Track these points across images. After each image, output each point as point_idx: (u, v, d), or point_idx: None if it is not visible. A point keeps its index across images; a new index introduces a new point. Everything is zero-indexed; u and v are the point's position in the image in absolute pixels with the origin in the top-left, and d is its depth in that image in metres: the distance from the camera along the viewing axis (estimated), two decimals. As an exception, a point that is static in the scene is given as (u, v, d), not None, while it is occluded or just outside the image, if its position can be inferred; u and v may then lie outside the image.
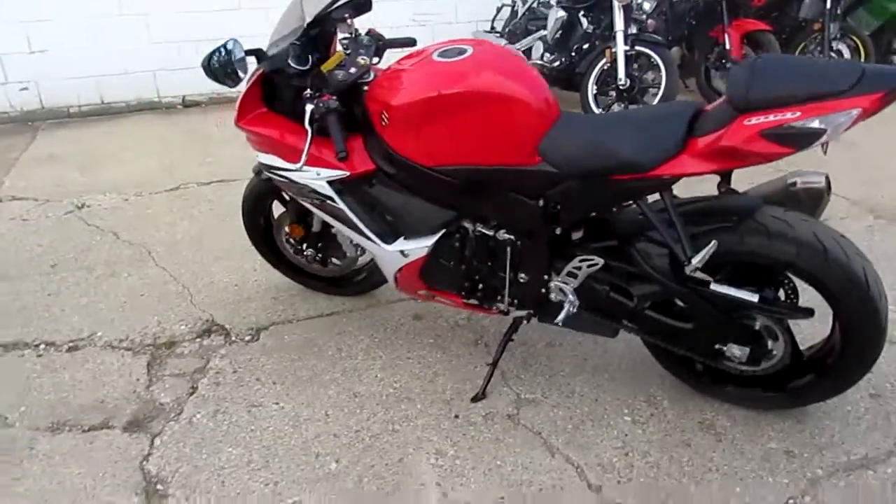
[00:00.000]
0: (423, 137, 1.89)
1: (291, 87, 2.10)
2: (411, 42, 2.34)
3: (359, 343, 2.47)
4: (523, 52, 5.48)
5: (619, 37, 4.60)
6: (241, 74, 2.02)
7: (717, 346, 1.88)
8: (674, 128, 1.68)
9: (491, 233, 2.00)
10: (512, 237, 1.99)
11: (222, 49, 1.96)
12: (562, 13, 5.10)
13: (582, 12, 5.10)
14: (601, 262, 1.90)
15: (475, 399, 2.14)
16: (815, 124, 1.46)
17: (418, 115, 1.86)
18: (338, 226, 2.20)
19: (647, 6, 4.81)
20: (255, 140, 2.19)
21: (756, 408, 2.01)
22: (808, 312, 1.79)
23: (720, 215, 1.76)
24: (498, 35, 5.91)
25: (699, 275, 1.76)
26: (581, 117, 1.88)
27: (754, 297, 1.76)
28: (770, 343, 1.84)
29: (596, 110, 4.78)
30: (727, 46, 5.06)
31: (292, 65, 2.04)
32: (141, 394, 2.26)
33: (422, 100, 1.84)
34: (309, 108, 1.98)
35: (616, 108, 4.73)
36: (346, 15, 2.13)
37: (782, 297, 1.86)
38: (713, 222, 1.76)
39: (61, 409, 2.19)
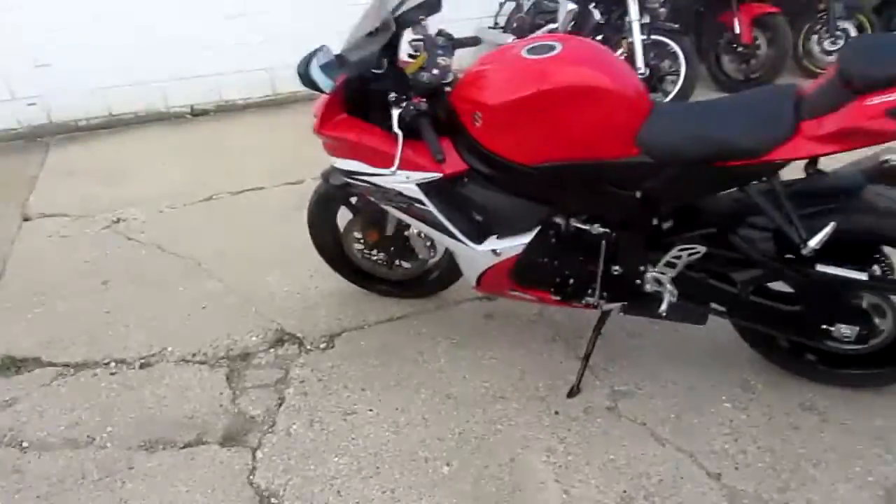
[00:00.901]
0: (520, 135, 1.89)
1: (374, 91, 2.08)
2: (476, 41, 2.33)
3: (437, 345, 2.46)
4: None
5: (636, 27, 4.61)
6: (319, 82, 1.98)
7: (824, 327, 1.90)
8: (781, 111, 1.70)
9: (586, 227, 2.00)
10: (607, 230, 1.99)
11: (312, 56, 1.93)
12: (573, 5, 5.10)
13: (593, 3, 5.12)
14: (703, 249, 1.91)
15: (571, 394, 2.15)
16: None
17: (515, 113, 1.86)
18: (423, 228, 2.18)
19: (658, -6, 4.82)
20: (336, 146, 2.16)
21: (857, 385, 2.04)
22: None
23: (825, 196, 1.78)
24: (502, 31, 5.90)
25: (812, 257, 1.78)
26: (677, 106, 1.90)
27: (863, 276, 1.79)
28: (878, 320, 1.86)
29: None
30: (737, 31, 5.11)
31: (374, 70, 2.02)
32: (228, 407, 2.23)
33: (519, 98, 1.84)
34: (396, 111, 1.97)
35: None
36: (421, 17, 2.12)
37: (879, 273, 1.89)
38: (819, 203, 1.77)
39: (150, 427, 2.16)
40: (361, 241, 2.57)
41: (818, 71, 5.44)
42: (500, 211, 2.04)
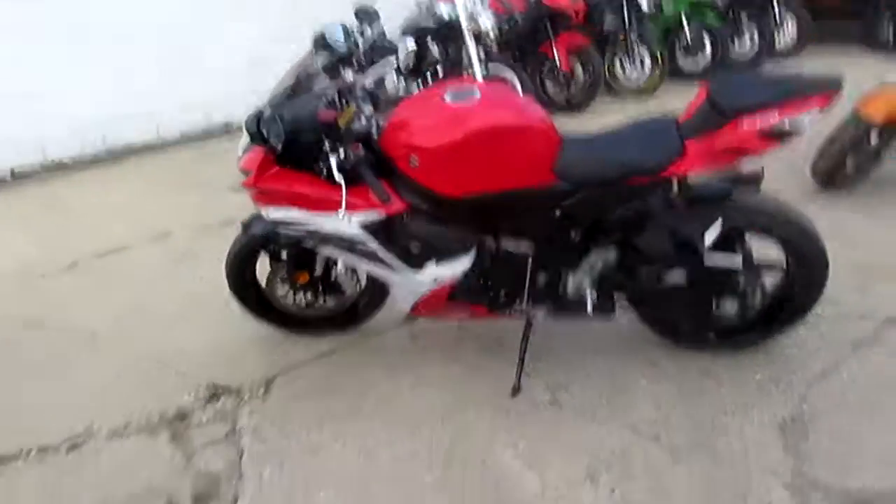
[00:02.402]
0: (456, 172, 2.11)
1: (306, 143, 2.20)
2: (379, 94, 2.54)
3: (376, 373, 2.60)
4: (375, 81, 5.77)
5: (476, 63, 5.06)
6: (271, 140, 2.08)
7: (714, 307, 2.33)
8: (669, 135, 2.10)
9: (514, 245, 2.28)
10: (531, 246, 2.28)
11: (260, 114, 2.02)
12: (412, 44, 5.46)
13: (430, 39, 5.51)
14: (614, 255, 2.26)
15: (514, 393, 2.40)
16: (796, 120, 1.94)
17: (451, 154, 2.08)
18: (363, 265, 2.33)
19: (490, 32, 5.31)
20: (272, 196, 2.24)
21: (740, 348, 2.50)
22: (777, 267, 2.31)
23: (706, 201, 2.20)
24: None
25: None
26: (582, 137, 2.23)
27: (738, 260, 2.24)
28: (750, 295, 2.33)
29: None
30: (556, 61, 5.77)
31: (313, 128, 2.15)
32: (186, 468, 2.20)
33: (454, 141, 2.07)
34: (334, 160, 2.11)
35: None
36: (342, 69, 2.28)
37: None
38: (703, 207, 2.20)
39: (111, 505, 2.08)
40: (288, 285, 2.64)
41: (624, 91, 6.30)
42: (440, 241, 2.25)
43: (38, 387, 2.66)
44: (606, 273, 2.32)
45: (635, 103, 6.05)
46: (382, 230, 2.23)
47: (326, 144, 2.14)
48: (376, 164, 2.20)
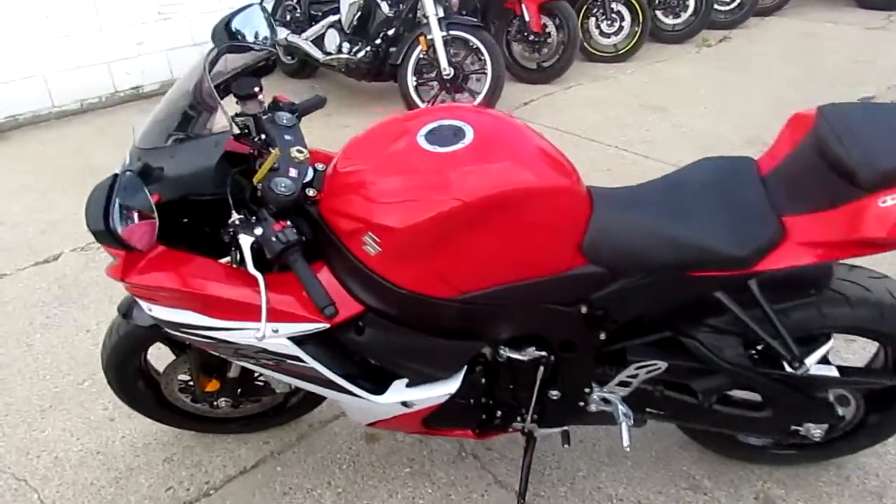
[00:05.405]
0: (436, 263, 1.36)
1: (198, 208, 1.42)
2: (321, 102, 1.73)
3: (319, 498, 1.88)
4: (313, 41, 4.84)
5: (434, 22, 4.20)
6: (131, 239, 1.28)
7: (793, 428, 1.67)
8: (756, 200, 1.39)
9: (519, 354, 1.55)
10: (544, 353, 1.56)
11: (110, 195, 1.21)
12: (357, -4, 4.53)
13: (380, -7, 4.58)
14: (664, 365, 1.56)
15: (516, 545, 1.73)
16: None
17: (428, 236, 1.32)
18: (297, 384, 1.58)
19: (450, -16, 4.44)
20: (152, 293, 1.45)
21: (819, 461, 1.87)
22: (888, 375, 1.65)
23: (794, 289, 1.52)
24: (278, 24, 5.10)
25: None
26: (618, 197, 1.49)
27: (833, 371, 1.58)
28: (842, 410, 1.68)
29: (420, 104, 4.38)
30: (526, 19, 4.92)
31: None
32: None
33: (433, 217, 1.31)
34: (247, 242, 1.33)
35: (442, 99, 4.38)
36: (256, 88, 1.47)
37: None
38: (788, 299, 1.51)
39: None
40: (190, 393, 1.87)
41: (599, 53, 5.51)
42: (411, 354, 1.51)
43: None
44: (647, 389, 1.63)
45: (616, 69, 5.30)
46: (325, 345, 1.48)
47: (234, 216, 1.36)
48: (314, 239, 1.43)
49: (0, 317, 2.70)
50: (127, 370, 1.82)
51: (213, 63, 1.50)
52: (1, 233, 3.30)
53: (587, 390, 1.63)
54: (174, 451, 2.05)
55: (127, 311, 1.69)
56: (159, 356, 1.86)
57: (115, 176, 1.25)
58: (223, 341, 1.47)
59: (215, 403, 1.87)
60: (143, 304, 1.50)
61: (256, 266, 1.33)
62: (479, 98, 4.31)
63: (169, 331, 1.53)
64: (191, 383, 1.86)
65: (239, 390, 1.85)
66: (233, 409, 1.94)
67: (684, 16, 5.80)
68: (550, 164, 1.41)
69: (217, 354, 1.58)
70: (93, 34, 4.82)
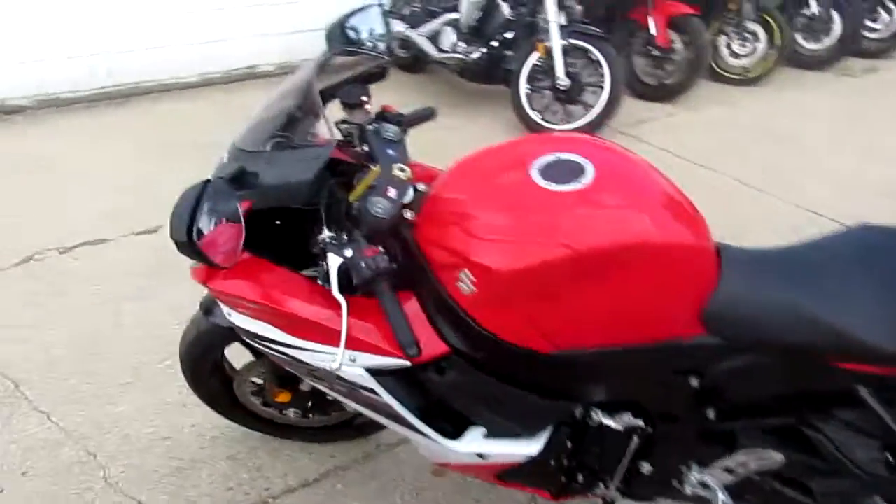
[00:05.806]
0: (535, 313, 1.22)
1: (290, 218, 1.34)
2: (431, 113, 1.62)
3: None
4: (429, 37, 4.75)
5: (555, 29, 4.03)
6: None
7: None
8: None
9: (613, 420, 1.39)
10: (641, 423, 1.39)
11: (195, 205, 1.14)
12: (480, -7, 4.41)
13: (502, -6, 4.45)
14: (781, 458, 1.36)
15: None
16: None
17: (532, 283, 1.19)
18: (371, 416, 1.48)
19: (575, -9, 4.24)
20: (233, 300, 1.39)
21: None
22: None
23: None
24: (396, 17, 5.05)
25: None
26: (754, 258, 1.30)
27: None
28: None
29: (530, 113, 4.21)
30: (652, 32, 4.66)
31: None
32: None
33: (538, 263, 1.17)
34: (334, 264, 1.24)
35: (554, 111, 4.20)
36: (364, 97, 1.37)
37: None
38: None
39: None
40: (264, 395, 1.81)
41: (726, 74, 5.17)
42: (494, 405, 1.38)
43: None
44: (755, 479, 1.43)
45: (743, 93, 4.95)
46: (405, 382, 1.37)
47: (325, 233, 1.28)
48: (403, 261, 1.33)
49: (98, 281, 2.77)
50: (202, 365, 1.78)
51: (324, 66, 1.42)
52: (112, 198, 3.38)
53: (684, 469, 1.45)
54: (239, 450, 2.01)
55: (208, 308, 1.65)
56: (238, 352, 1.81)
57: (206, 182, 1.18)
58: (298, 360, 1.39)
59: (284, 412, 1.81)
60: (224, 309, 1.45)
61: (341, 286, 1.24)
62: (593, 113, 4.10)
63: (248, 339, 1.47)
64: (264, 388, 1.81)
65: (309, 403, 1.78)
66: (301, 418, 1.88)
67: (827, 41, 5.35)
68: (677, 216, 1.24)
69: (292, 371, 1.50)
70: (214, 12, 4.92)
